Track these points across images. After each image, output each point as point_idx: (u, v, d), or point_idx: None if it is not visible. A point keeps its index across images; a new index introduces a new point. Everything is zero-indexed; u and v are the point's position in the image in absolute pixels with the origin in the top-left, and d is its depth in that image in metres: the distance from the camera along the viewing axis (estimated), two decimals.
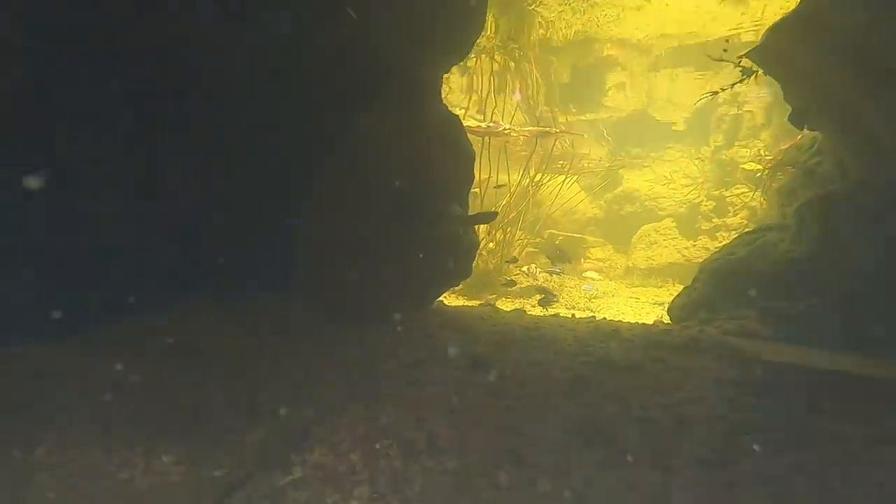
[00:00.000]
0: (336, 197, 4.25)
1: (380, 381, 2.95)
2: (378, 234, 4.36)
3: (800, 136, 8.54)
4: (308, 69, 3.34)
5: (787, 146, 7.02)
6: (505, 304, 7.95)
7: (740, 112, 9.67)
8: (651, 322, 5.62)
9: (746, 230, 3.96)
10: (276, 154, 3.45)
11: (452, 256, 4.72)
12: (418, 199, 4.32)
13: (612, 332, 4.12)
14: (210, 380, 2.63)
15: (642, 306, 7.55)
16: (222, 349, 2.94)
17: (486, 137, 6.92)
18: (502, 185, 7.91)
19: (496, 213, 4.40)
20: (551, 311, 6.55)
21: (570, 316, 6.31)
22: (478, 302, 7.53)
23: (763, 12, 7.92)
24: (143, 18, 2.51)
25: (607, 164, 10.54)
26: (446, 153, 4.67)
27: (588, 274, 9.38)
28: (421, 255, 4.50)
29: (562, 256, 8.22)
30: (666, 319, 6.46)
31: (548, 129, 6.98)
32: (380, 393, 2.76)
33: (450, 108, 4.84)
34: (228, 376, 2.69)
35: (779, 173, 4.80)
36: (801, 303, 3.35)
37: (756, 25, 8.17)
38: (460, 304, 7.04)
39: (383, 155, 4.33)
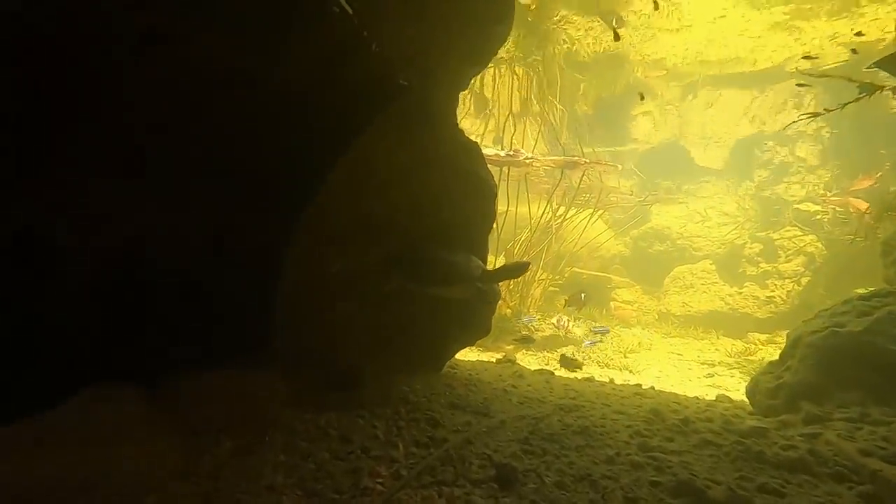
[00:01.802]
0: (326, 241, 3.44)
1: None
2: (378, 288, 3.51)
3: (879, 174, 7.69)
4: (286, 80, 2.58)
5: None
6: (526, 358, 6.94)
7: (789, 155, 8.82)
8: (715, 398, 4.59)
9: (861, 294, 2.99)
10: (242, 184, 2.66)
11: (470, 313, 3.84)
12: (430, 247, 3.48)
13: (679, 424, 3.12)
14: None
15: (690, 367, 6.48)
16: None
17: (505, 167, 6.14)
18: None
19: (528, 264, 3.56)
20: (582, 374, 5.54)
21: (608, 381, 5.31)
22: (494, 355, 6.55)
23: (816, 38, 7.21)
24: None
25: (638, 199, 9.69)
26: (464, 188, 3.87)
27: (596, 327, 8.26)
28: (432, 316, 3.64)
29: (584, 301, 7.72)
30: (733, 394, 5.42)
31: (575, 158, 6.17)
32: None
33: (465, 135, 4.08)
34: None
35: (885, 221, 3.89)
36: None
37: (809, 53, 7.45)
38: (475, 359, 6.09)
39: (384, 191, 3.54)
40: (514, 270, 3.80)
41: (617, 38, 6.13)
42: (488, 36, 3.60)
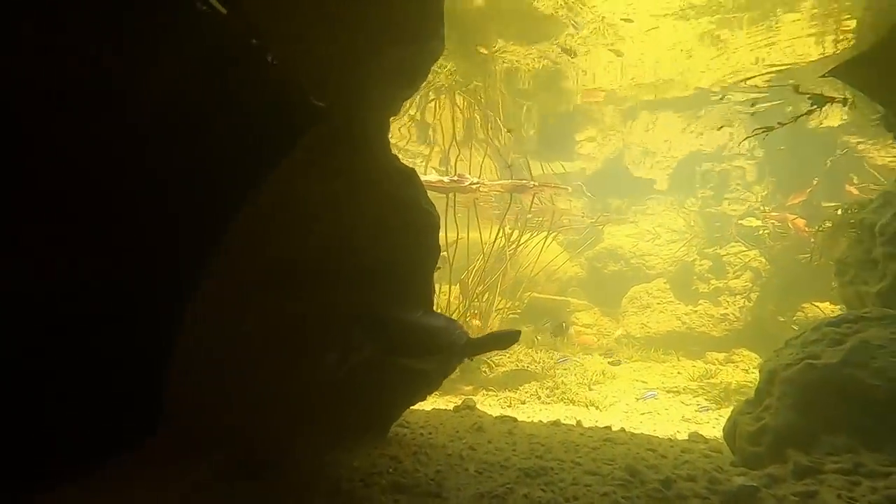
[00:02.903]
0: (239, 293, 2.86)
1: None
2: (306, 347, 2.95)
3: (809, 190, 8.10)
4: (165, 93, 2.05)
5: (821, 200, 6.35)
6: (487, 399, 6.46)
7: (727, 167, 9.21)
8: (689, 437, 4.30)
9: (830, 319, 2.78)
10: (116, 228, 2.06)
11: (426, 372, 3.34)
12: (399, 308, 3.00)
13: (660, 488, 2.73)
14: None
15: (656, 398, 6.24)
16: None
17: (451, 194, 5.80)
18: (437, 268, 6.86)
19: (518, 333, 3.22)
20: (550, 418, 5.12)
21: (576, 424, 4.92)
22: (452, 400, 6.02)
23: (735, 55, 7.58)
24: None
25: (590, 220, 9.70)
26: (403, 221, 3.43)
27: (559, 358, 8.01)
28: (379, 378, 3.11)
29: (559, 330, 7.81)
30: (703, 427, 5.20)
31: (523, 182, 5.94)
32: None
33: (402, 161, 3.67)
34: None
35: (838, 238, 3.85)
36: None
37: (738, 74, 7.84)
38: (430, 407, 5.52)
39: (308, 228, 3.02)
40: (503, 340, 3.35)
41: (573, 54, 6.25)
42: (418, 54, 3.25)
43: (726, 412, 5.89)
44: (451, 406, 5.53)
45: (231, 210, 2.61)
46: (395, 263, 3.47)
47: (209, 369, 2.78)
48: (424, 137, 7.64)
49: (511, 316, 10.56)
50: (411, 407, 5.07)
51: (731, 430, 3.19)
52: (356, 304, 3.33)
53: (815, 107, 2.62)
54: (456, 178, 5.50)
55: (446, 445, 3.72)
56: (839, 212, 3.94)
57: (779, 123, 2.72)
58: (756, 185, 8.91)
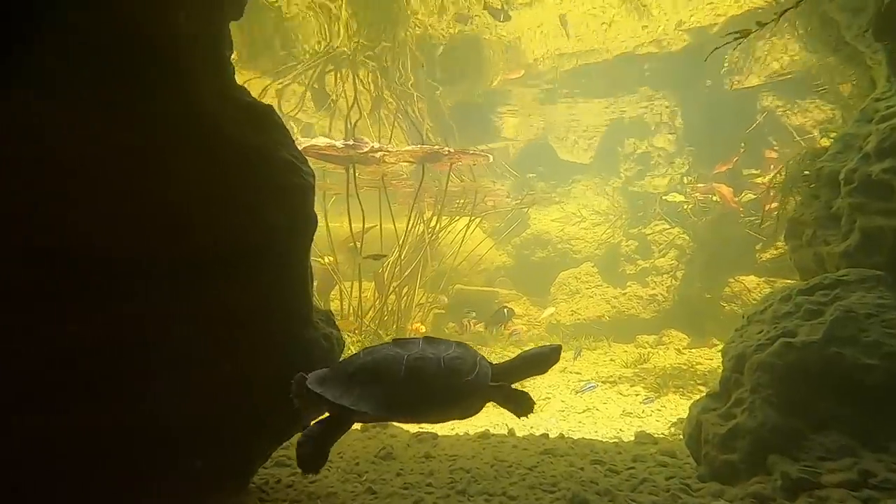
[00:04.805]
0: None
1: None
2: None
3: (735, 158, 8.21)
4: None
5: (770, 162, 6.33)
6: None
7: (647, 144, 9.19)
8: (635, 438, 3.75)
9: (800, 287, 2.24)
10: None
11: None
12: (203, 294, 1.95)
13: None
14: None
15: (594, 391, 5.77)
16: None
17: (353, 167, 4.77)
18: (380, 256, 5.86)
19: (559, 347, 2.41)
20: (480, 426, 4.36)
21: (508, 433, 4.22)
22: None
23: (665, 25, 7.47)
24: None
25: (515, 202, 9.20)
26: (256, 180, 2.38)
27: None
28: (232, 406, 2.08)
29: (499, 318, 7.35)
30: (646, 422, 4.76)
31: (438, 148, 5.05)
32: None
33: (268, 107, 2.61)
34: None
35: (790, 196, 3.50)
36: None
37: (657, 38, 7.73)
38: None
39: (103, 201, 1.92)
40: (541, 360, 2.38)
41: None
42: None
43: (666, 401, 5.62)
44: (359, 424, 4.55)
45: None
46: (249, 243, 2.42)
47: None
48: (323, 104, 6.50)
49: (436, 311, 9.83)
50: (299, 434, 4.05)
51: (694, 434, 2.61)
52: (191, 310, 2.25)
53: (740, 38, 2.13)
54: (352, 142, 4.45)
55: (336, 492, 2.76)
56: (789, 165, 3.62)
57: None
58: (677, 158, 8.97)
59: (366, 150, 4.46)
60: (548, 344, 2.51)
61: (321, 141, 4.33)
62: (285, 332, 2.59)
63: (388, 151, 4.82)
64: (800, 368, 2.25)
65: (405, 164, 5.65)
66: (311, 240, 2.71)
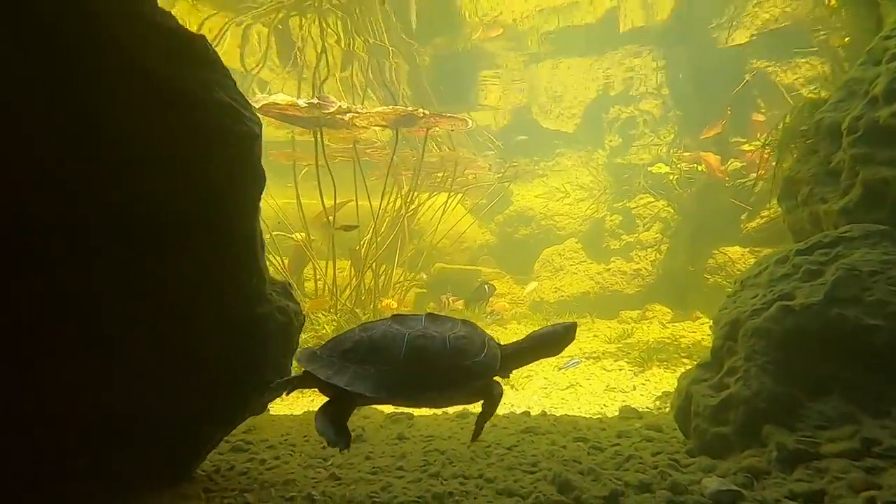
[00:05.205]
0: None
1: None
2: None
3: (723, 122, 8.01)
4: None
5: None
6: None
7: (634, 110, 8.93)
8: (620, 413, 3.60)
9: (798, 248, 2.03)
10: None
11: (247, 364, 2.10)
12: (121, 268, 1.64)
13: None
14: None
15: (576, 367, 5.64)
16: None
17: (320, 132, 4.39)
18: (353, 227, 5.52)
19: (575, 325, 2.19)
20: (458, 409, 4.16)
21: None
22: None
23: None
24: None
25: (497, 175, 8.92)
26: (185, 127, 2.04)
27: None
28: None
29: (480, 295, 7.23)
30: (630, 396, 4.63)
31: (412, 109, 4.66)
32: None
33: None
34: None
35: (785, 156, 3.28)
36: None
37: None
38: (300, 409, 4.26)
39: None
40: (556, 339, 2.12)
41: None
42: None
43: (650, 374, 5.52)
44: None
45: None
46: (175, 207, 2.09)
47: None
48: (288, 55, 5.97)
49: (417, 290, 9.60)
50: (266, 414, 3.80)
51: (683, 406, 2.43)
52: (109, 286, 1.94)
53: None
54: (316, 101, 4.05)
55: (295, 479, 2.53)
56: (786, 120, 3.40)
57: None
58: (662, 128, 8.75)
59: (332, 109, 4.07)
60: (560, 322, 2.25)
61: (281, 98, 3.90)
62: (231, 307, 2.30)
63: (358, 113, 4.43)
64: (798, 333, 2.07)
65: (378, 128, 5.28)
66: (259, 199, 2.39)
